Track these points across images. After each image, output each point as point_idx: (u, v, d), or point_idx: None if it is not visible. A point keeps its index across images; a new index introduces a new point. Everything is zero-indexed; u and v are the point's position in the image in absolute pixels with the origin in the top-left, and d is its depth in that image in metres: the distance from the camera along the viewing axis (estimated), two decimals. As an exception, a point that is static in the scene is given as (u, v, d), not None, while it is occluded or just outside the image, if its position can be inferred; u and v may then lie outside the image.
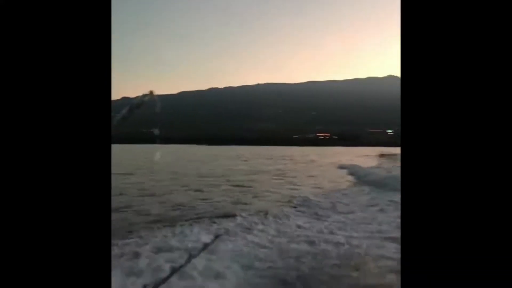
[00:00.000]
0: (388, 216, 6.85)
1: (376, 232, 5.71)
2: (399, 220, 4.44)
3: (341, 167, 21.00)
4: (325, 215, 7.31)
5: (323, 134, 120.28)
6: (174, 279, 2.98)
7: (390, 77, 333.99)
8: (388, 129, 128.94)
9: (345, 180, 14.69)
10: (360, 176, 14.74)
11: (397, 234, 5.24)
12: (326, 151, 48.37)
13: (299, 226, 6.26)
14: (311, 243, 5.15)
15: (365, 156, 32.64)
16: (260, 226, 6.17)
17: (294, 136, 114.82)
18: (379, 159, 28.66)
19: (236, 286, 3.74)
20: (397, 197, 8.08)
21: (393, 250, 4.66)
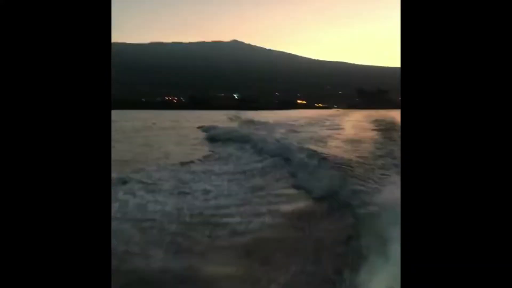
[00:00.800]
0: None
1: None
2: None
3: (202, 128, 21.86)
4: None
5: (171, 98, 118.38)
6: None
7: (235, 42, 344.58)
8: (234, 93, 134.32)
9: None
10: (229, 137, 15.54)
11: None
12: (180, 115, 47.78)
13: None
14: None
15: (220, 119, 33.54)
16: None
17: (142, 100, 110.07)
18: (234, 121, 29.89)
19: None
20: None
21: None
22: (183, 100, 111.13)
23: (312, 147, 9.89)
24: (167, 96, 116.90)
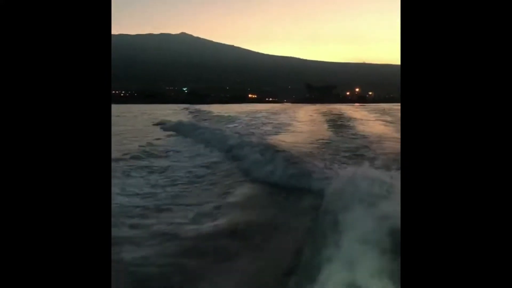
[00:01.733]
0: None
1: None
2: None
3: (160, 123, 19.66)
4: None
5: (121, 92, 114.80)
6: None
7: (183, 35, 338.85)
8: (184, 87, 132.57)
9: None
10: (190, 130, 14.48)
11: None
12: (133, 109, 45.64)
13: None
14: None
15: (177, 113, 32.79)
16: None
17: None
18: (188, 114, 29.93)
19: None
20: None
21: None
22: (130, 94, 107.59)
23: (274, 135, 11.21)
24: (117, 90, 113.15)
